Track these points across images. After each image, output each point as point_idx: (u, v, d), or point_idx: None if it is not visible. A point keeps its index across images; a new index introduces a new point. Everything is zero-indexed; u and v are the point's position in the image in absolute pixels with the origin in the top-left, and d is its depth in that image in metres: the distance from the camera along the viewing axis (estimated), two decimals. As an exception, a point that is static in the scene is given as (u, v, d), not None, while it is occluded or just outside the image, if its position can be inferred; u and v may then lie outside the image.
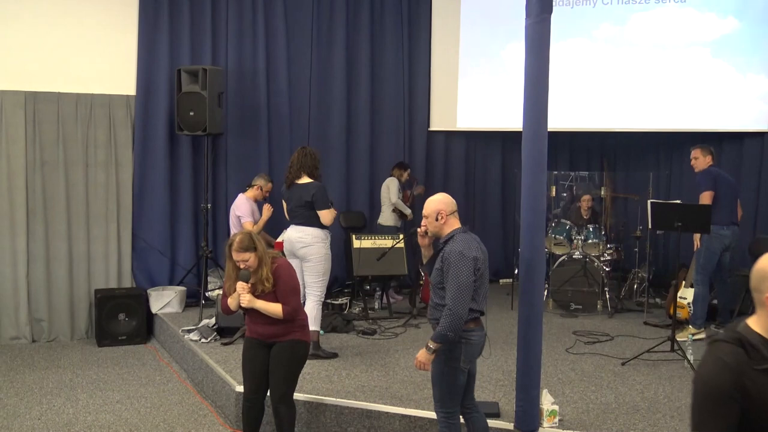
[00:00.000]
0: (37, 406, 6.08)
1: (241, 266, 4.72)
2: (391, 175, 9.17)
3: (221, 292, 7.54)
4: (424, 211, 4.37)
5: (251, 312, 4.82)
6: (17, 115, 7.86)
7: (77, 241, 8.18)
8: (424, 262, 4.57)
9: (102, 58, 8.22)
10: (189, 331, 7.19)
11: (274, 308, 4.73)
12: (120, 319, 8.00)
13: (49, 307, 8.08)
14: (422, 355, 4.19)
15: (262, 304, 4.73)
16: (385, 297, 8.37)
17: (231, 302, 4.83)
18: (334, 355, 6.49)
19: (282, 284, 4.76)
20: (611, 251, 8.69)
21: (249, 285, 4.73)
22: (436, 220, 4.31)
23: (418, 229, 4.45)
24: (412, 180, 9.47)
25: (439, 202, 4.34)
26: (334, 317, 7.54)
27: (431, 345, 4.15)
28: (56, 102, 8.01)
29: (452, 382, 4.28)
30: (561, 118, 9.11)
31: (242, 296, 4.71)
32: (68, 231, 8.13)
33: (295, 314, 4.80)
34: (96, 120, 8.21)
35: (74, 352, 7.72)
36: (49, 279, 8.08)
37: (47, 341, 8.06)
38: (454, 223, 4.33)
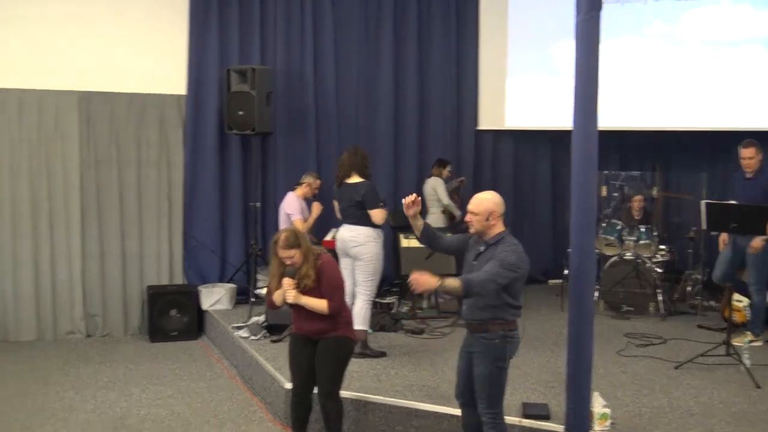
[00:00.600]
0: (92, 399, 6.22)
1: (287, 263, 4.77)
2: (431, 175, 9.15)
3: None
4: (475, 208, 4.35)
5: (297, 308, 4.87)
6: (71, 115, 8.05)
7: (130, 238, 8.35)
8: (417, 234, 4.60)
9: (154, 59, 8.37)
10: (239, 328, 7.28)
11: (319, 304, 4.78)
12: (171, 316, 8.13)
13: (103, 303, 8.26)
14: (428, 281, 4.04)
15: (307, 300, 4.79)
16: (433, 296, 8.36)
17: (276, 298, 4.89)
18: (383, 354, 6.51)
19: (326, 280, 4.80)
20: (664, 252, 8.53)
21: (294, 281, 4.78)
22: (486, 220, 4.32)
23: (408, 199, 4.48)
24: (453, 176, 9.44)
25: (492, 203, 4.36)
26: (382, 316, 7.56)
27: (447, 282, 4.07)
28: (109, 102, 8.18)
29: (499, 382, 4.33)
30: (612, 116, 8.95)
31: (288, 292, 4.77)
32: (121, 229, 8.29)
33: (339, 310, 4.84)
34: (148, 120, 8.36)
35: (127, 347, 7.88)
36: (103, 275, 8.25)
37: (101, 336, 8.24)
38: (501, 225, 4.37)
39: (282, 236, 4.79)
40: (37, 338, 8.00)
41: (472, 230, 4.39)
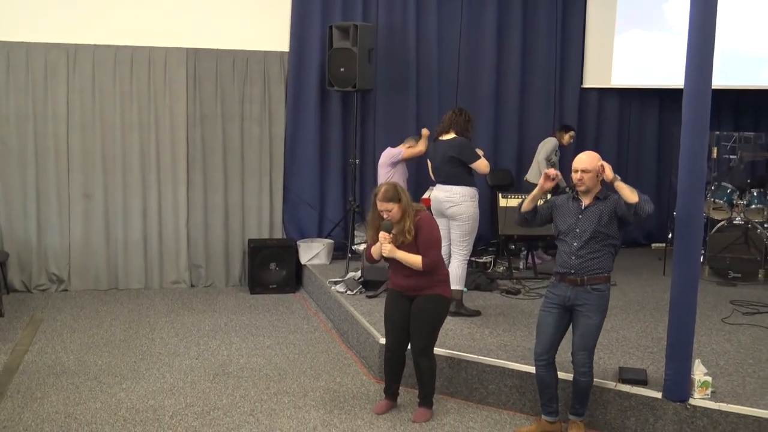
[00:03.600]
0: (195, 346, 6.47)
1: (385, 216, 4.79)
2: (553, 135, 8.95)
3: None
4: (588, 165, 4.53)
5: (393, 263, 4.90)
6: (179, 72, 8.26)
7: (233, 192, 8.56)
8: (527, 208, 4.77)
9: (258, 16, 8.47)
10: (336, 283, 7.39)
11: (414, 259, 4.79)
12: (271, 269, 8.33)
13: (206, 255, 8.53)
14: (611, 172, 4.48)
15: (402, 255, 4.80)
16: (530, 257, 8.25)
17: (374, 251, 4.93)
18: (477, 313, 6.49)
19: (423, 236, 4.80)
20: (776, 217, 8.14)
21: (391, 235, 4.80)
22: (597, 176, 4.54)
23: (549, 171, 4.67)
24: (574, 142, 9.12)
25: (599, 159, 4.56)
26: (477, 275, 7.52)
27: (620, 180, 4.47)
28: (215, 59, 8.35)
29: (600, 332, 4.62)
30: (726, 74, 8.53)
31: (384, 245, 4.80)
32: (225, 182, 8.51)
33: (434, 267, 4.85)
34: (251, 76, 8.49)
35: (228, 297, 8.13)
36: (206, 228, 8.52)
37: (204, 286, 8.53)
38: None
39: (382, 189, 4.82)
40: (144, 287, 8.36)
41: (581, 188, 4.56)
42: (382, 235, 4.82)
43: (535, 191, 4.74)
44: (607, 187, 4.63)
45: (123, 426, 4.87)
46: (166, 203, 8.37)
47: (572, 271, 4.55)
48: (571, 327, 4.67)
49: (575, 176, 4.56)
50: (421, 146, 7.78)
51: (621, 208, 4.48)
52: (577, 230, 4.56)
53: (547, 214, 4.80)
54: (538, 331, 4.71)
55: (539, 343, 4.69)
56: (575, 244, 4.55)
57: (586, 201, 4.60)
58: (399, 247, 4.83)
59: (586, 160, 4.55)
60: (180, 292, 8.27)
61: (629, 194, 4.43)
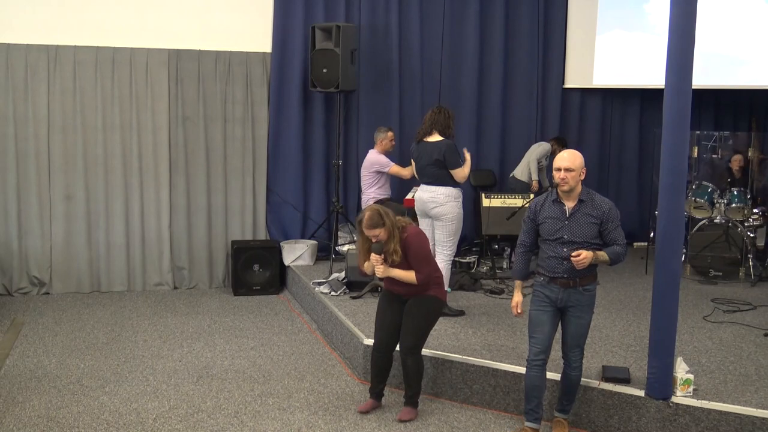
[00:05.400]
0: (179, 349, 6.44)
1: (373, 240, 4.82)
2: (550, 143, 9.04)
3: (351, 247, 7.73)
4: (571, 164, 4.44)
5: (388, 278, 4.97)
6: (161, 73, 8.22)
7: (216, 193, 8.53)
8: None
9: (240, 16, 8.44)
10: (319, 284, 7.38)
11: (409, 276, 4.89)
12: (255, 270, 8.31)
13: (189, 256, 8.50)
14: (589, 255, 4.37)
15: (396, 273, 4.90)
16: (513, 256, 8.27)
17: (366, 269, 5.03)
18: (461, 313, 6.50)
19: (413, 253, 4.86)
20: (757, 216, 8.20)
21: (381, 257, 4.85)
22: (580, 175, 4.46)
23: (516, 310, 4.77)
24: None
25: (583, 160, 4.49)
26: (461, 275, 7.53)
27: (600, 254, 4.41)
28: (197, 59, 8.31)
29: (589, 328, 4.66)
30: (706, 74, 8.60)
31: (376, 268, 4.87)
32: (207, 184, 8.48)
33: (428, 279, 4.94)
34: (234, 77, 8.46)
35: (212, 299, 8.10)
36: (189, 229, 8.48)
37: (188, 288, 8.49)
38: None
39: (366, 216, 4.84)
40: (127, 289, 8.31)
41: (565, 188, 4.45)
42: (374, 257, 4.90)
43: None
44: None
45: (106, 430, 4.84)
46: (148, 205, 8.33)
47: (564, 276, 4.49)
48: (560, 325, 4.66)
49: (558, 175, 4.44)
50: (409, 172, 7.59)
51: (605, 234, 4.48)
52: (565, 237, 4.47)
53: (536, 231, 4.67)
54: (534, 330, 4.59)
55: (537, 342, 4.57)
56: (565, 250, 4.45)
57: (569, 204, 4.49)
58: (391, 265, 4.89)
59: (568, 159, 4.45)
60: (163, 295, 8.22)
61: (606, 261, 4.47)
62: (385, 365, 5.11)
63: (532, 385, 4.62)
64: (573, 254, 4.37)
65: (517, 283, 4.83)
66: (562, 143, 8.97)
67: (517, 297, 4.80)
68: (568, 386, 4.71)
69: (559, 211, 4.52)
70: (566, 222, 4.48)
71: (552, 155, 8.89)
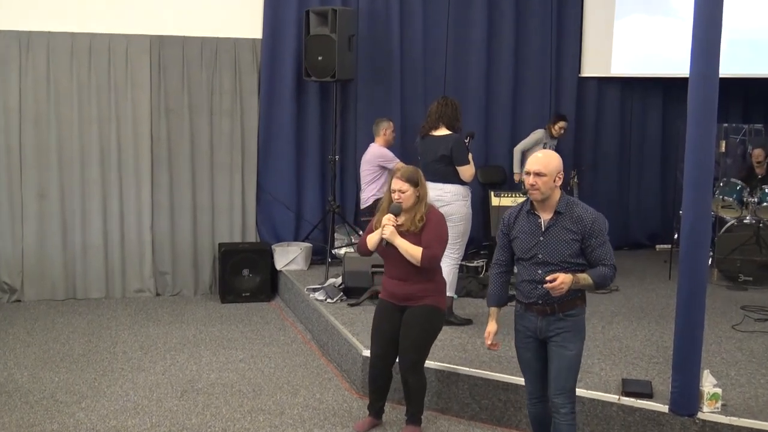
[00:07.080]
0: (161, 360, 6.43)
1: (396, 197, 4.78)
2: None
3: (348, 250, 7.71)
4: (543, 168, 4.03)
5: (388, 261, 4.91)
6: (142, 61, 8.22)
7: (201, 192, 8.53)
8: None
9: (228, 0, 8.44)
10: (314, 290, 7.38)
11: (414, 250, 4.76)
12: (244, 275, 8.30)
13: (173, 260, 8.50)
14: (567, 279, 3.92)
15: (402, 242, 4.78)
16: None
17: (370, 239, 4.92)
18: (469, 322, 6.49)
19: (431, 228, 4.82)
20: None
21: (396, 220, 4.80)
22: (554, 181, 4.05)
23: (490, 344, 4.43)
24: (565, 134, 9.16)
25: (560, 162, 4.11)
26: (468, 281, 7.53)
27: (582, 278, 3.98)
28: (181, 46, 8.31)
29: (580, 363, 4.23)
30: (734, 62, 8.59)
31: (385, 227, 4.78)
32: (192, 181, 8.48)
33: (434, 262, 4.84)
34: (221, 65, 8.46)
35: (198, 307, 8.10)
36: (173, 231, 8.47)
37: (171, 295, 8.49)
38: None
39: (404, 167, 4.91)
40: (105, 296, 8.31)
41: (536, 195, 4.06)
42: (387, 217, 4.81)
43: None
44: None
45: (82, 449, 4.84)
46: (128, 204, 8.32)
47: (539, 302, 4.13)
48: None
49: (528, 180, 4.06)
50: None
51: (588, 252, 4.06)
52: (540, 256, 4.09)
53: (511, 248, 4.33)
54: (523, 370, 4.42)
55: (528, 382, 4.39)
56: (540, 272, 4.06)
57: (545, 216, 4.10)
58: (402, 235, 4.80)
59: (541, 161, 4.05)
60: (144, 302, 8.21)
61: (589, 286, 4.05)
62: (383, 382, 5.08)
63: (535, 421, 4.49)
64: (548, 278, 3.93)
65: (492, 310, 4.46)
66: (556, 119, 9.02)
67: (491, 326, 4.45)
68: None
69: (533, 224, 4.15)
70: (541, 238, 4.10)
71: (552, 136, 8.90)
